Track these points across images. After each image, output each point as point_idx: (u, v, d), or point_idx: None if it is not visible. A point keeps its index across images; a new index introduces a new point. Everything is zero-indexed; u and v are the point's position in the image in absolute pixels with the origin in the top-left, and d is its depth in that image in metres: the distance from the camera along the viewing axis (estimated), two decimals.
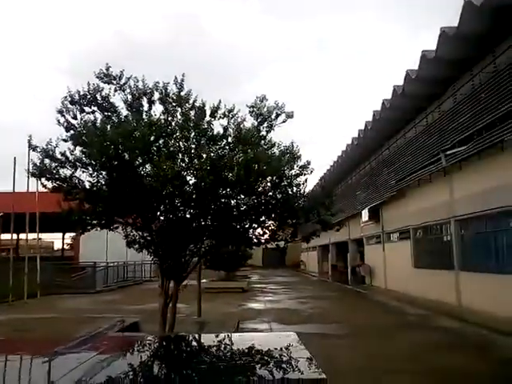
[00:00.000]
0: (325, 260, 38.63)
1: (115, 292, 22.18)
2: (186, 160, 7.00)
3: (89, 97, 6.94)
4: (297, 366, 3.20)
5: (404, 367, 6.93)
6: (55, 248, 56.89)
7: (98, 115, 7.34)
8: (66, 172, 7.11)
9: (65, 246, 53.55)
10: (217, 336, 4.84)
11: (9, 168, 17.29)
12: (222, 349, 4.09)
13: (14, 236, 30.25)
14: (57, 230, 44.68)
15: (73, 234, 50.95)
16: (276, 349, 3.87)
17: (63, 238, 52.30)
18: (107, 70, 7.26)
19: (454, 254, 14.47)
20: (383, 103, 17.72)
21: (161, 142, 6.90)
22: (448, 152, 13.98)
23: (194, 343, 4.54)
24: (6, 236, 30.38)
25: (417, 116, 17.49)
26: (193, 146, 7.04)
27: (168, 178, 5.71)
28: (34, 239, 21.36)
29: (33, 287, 17.70)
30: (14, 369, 3.54)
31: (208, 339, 4.56)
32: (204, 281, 12.55)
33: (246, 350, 3.96)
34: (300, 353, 3.47)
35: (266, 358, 3.53)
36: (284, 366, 3.28)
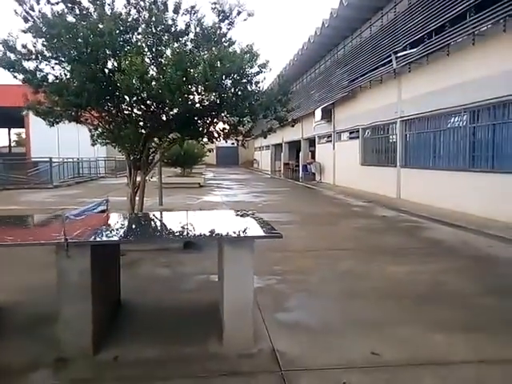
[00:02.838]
0: (277, 159, 39.94)
1: (73, 187, 22.52)
2: (150, 56, 7.26)
3: None
4: (259, 228, 4.05)
5: (343, 244, 8.14)
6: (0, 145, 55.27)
7: (57, 8, 7.29)
8: (29, 65, 7.22)
9: (12, 143, 52.09)
10: (188, 211, 5.69)
11: None
12: (195, 218, 4.92)
13: None
14: (2, 125, 43.15)
15: (20, 130, 49.36)
16: (242, 216, 4.73)
17: (9, 135, 50.65)
18: None
19: (398, 152, 15.69)
20: (341, 1, 17.64)
21: (125, 36, 7.06)
22: (399, 54, 14.57)
23: (169, 215, 5.32)
24: None
25: (373, 16, 17.65)
26: (156, 41, 7.26)
27: (138, 74, 6.01)
28: None
29: None
30: (33, 228, 4.24)
31: (179, 213, 5.36)
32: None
33: (217, 218, 4.83)
34: (261, 221, 4.31)
35: (234, 221, 4.36)
36: (250, 227, 4.11)
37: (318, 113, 23.85)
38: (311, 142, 29.04)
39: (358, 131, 19.90)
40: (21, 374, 3.21)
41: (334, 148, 23.13)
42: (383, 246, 8.00)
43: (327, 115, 23.23)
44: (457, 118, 12.36)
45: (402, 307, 4.71)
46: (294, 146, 34.14)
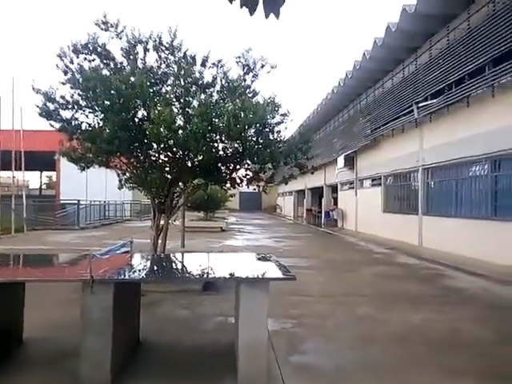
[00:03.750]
0: (300, 204, 40.07)
1: (99, 229, 23.06)
2: (178, 106, 7.70)
3: (90, 46, 7.45)
4: (274, 269, 4.22)
5: (361, 290, 8.15)
6: (30, 187, 57.06)
7: (94, 62, 7.89)
8: (66, 114, 7.76)
9: (42, 185, 53.78)
10: (208, 253, 5.91)
11: None
12: (214, 260, 5.11)
13: None
14: (35, 169, 44.69)
15: (50, 173, 51.05)
16: (260, 259, 4.91)
17: (41, 177, 52.39)
18: (105, 17, 7.74)
19: (419, 199, 15.72)
20: (364, 54, 18.24)
21: (155, 88, 7.54)
22: (420, 104, 14.88)
23: (189, 256, 5.53)
24: None
25: (394, 68, 18.15)
26: (184, 93, 7.71)
27: (165, 123, 6.40)
28: (9, 177, 21.68)
29: (19, 223, 18.37)
30: (61, 265, 4.50)
31: (199, 255, 5.58)
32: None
33: (235, 260, 5.01)
34: (277, 264, 4.47)
35: (250, 263, 4.54)
36: (266, 269, 4.28)
37: (341, 160, 24.15)
38: (334, 188, 29.19)
39: (380, 178, 20.04)
40: None
41: (356, 195, 23.22)
42: (401, 292, 7.99)
43: (349, 163, 23.50)
44: (478, 167, 12.43)
45: (416, 354, 4.72)
46: (317, 193, 34.32)
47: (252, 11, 1.78)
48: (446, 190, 14.28)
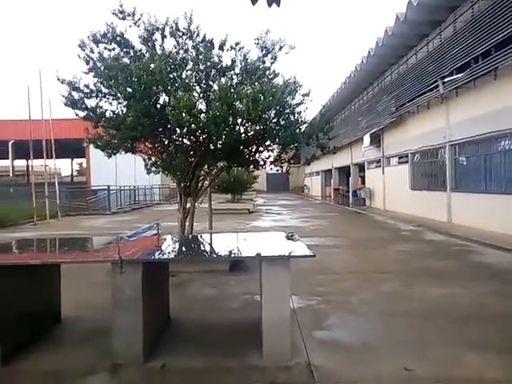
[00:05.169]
0: (327, 184, 39.92)
1: (129, 213, 23.65)
2: (199, 90, 7.81)
3: (109, 35, 7.62)
4: (295, 248, 4.35)
5: (387, 267, 8.19)
6: (62, 174, 58.46)
7: (114, 50, 8.06)
8: (90, 102, 8.00)
9: (74, 172, 55.11)
10: (231, 233, 6.07)
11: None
12: (239, 240, 5.27)
13: (28, 162, 31.35)
14: (66, 156, 45.74)
15: (81, 160, 52.25)
16: (281, 238, 5.05)
17: (72, 164, 53.63)
18: (121, 6, 7.87)
19: (447, 176, 15.50)
20: (386, 30, 17.89)
21: (175, 74, 7.66)
22: (446, 79, 14.56)
23: (215, 237, 5.72)
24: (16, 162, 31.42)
25: (418, 43, 17.76)
26: (204, 77, 7.80)
27: (186, 109, 6.53)
28: (42, 165, 22.39)
29: (52, 209, 19.01)
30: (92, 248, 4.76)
31: (225, 235, 5.76)
32: (212, 203, 13.63)
33: (259, 238, 5.16)
34: (297, 242, 4.60)
35: (273, 241, 4.68)
36: (288, 247, 4.42)
37: (367, 138, 23.91)
38: (361, 167, 28.96)
39: (407, 156, 19.79)
40: (80, 377, 3.62)
41: (383, 173, 23.02)
42: (428, 269, 7.99)
43: (376, 141, 23.25)
44: (507, 141, 12.15)
45: (440, 328, 4.78)
46: (344, 172, 34.11)
47: (254, 0, 1.86)
48: (474, 165, 14.05)
